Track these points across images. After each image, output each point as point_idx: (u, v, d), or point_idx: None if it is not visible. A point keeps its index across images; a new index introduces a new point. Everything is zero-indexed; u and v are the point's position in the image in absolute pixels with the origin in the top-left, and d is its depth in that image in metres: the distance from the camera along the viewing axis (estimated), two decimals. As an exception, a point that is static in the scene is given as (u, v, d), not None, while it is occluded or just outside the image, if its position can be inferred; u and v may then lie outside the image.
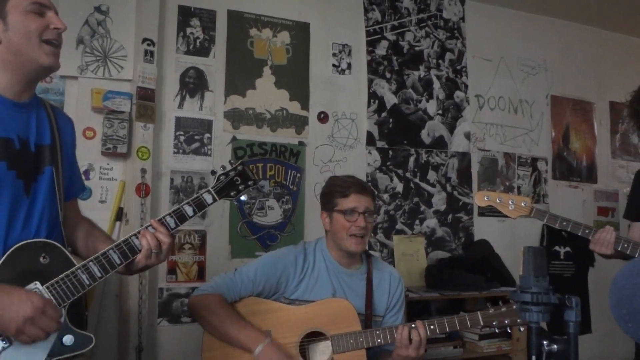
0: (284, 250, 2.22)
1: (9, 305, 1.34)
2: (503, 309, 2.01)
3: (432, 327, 2.02)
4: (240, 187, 1.74)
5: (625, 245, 2.24)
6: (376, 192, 3.51)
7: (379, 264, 2.32)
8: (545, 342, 1.14)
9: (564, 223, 2.28)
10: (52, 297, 1.43)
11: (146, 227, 1.59)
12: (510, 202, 2.28)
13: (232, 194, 1.73)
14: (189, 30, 3.14)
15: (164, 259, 1.63)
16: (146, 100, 2.91)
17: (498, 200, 2.30)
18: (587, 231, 2.27)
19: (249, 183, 1.75)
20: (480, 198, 2.33)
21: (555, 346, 1.14)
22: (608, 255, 2.26)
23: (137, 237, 1.56)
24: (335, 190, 2.19)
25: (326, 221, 2.21)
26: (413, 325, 2.00)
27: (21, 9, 1.46)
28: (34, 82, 1.56)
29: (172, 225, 1.61)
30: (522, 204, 2.28)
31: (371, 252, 3.39)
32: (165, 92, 3.05)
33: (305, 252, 2.19)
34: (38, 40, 1.47)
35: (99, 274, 1.50)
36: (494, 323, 2.00)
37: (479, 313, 2.03)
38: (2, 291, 1.35)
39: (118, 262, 1.53)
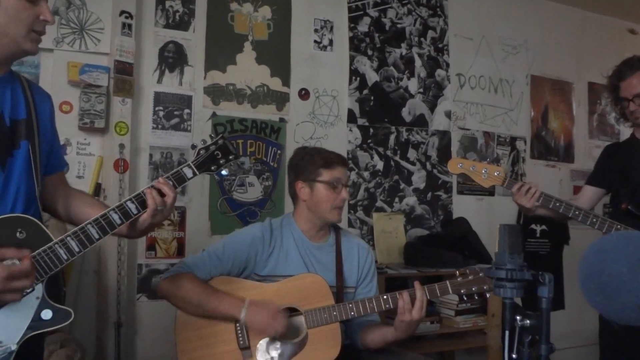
0: (250, 227, 2.22)
1: None
2: (470, 277, 2.06)
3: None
4: (221, 161, 1.73)
5: (557, 204, 2.25)
6: (356, 170, 3.52)
7: (346, 235, 2.33)
8: (518, 318, 1.16)
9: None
10: None
11: (148, 187, 1.58)
12: (483, 171, 2.25)
13: (212, 168, 1.72)
14: (168, 3, 3.07)
15: (167, 214, 1.62)
16: (124, 75, 2.85)
17: (471, 169, 2.26)
18: (514, 184, 2.26)
19: (230, 157, 1.73)
20: (454, 165, 2.28)
21: (528, 321, 1.16)
22: (529, 209, 2.27)
23: (116, 212, 1.54)
24: (316, 159, 2.16)
25: (303, 191, 2.17)
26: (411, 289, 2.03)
27: None
28: (11, 61, 1.54)
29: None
30: (496, 174, 2.25)
31: (351, 229, 3.42)
32: (143, 66, 3.00)
33: (271, 228, 2.19)
34: (26, 29, 1.45)
35: (77, 249, 1.49)
36: (462, 291, 2.06)
37: (447, 282, 2.08)
38: None
39: (97, 236, 1.52)
